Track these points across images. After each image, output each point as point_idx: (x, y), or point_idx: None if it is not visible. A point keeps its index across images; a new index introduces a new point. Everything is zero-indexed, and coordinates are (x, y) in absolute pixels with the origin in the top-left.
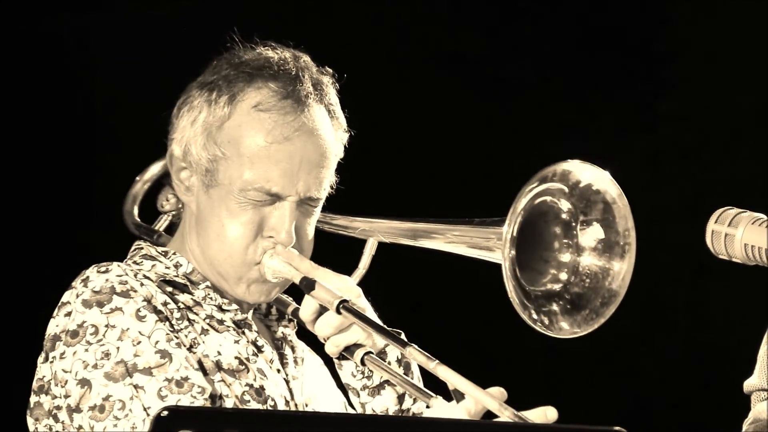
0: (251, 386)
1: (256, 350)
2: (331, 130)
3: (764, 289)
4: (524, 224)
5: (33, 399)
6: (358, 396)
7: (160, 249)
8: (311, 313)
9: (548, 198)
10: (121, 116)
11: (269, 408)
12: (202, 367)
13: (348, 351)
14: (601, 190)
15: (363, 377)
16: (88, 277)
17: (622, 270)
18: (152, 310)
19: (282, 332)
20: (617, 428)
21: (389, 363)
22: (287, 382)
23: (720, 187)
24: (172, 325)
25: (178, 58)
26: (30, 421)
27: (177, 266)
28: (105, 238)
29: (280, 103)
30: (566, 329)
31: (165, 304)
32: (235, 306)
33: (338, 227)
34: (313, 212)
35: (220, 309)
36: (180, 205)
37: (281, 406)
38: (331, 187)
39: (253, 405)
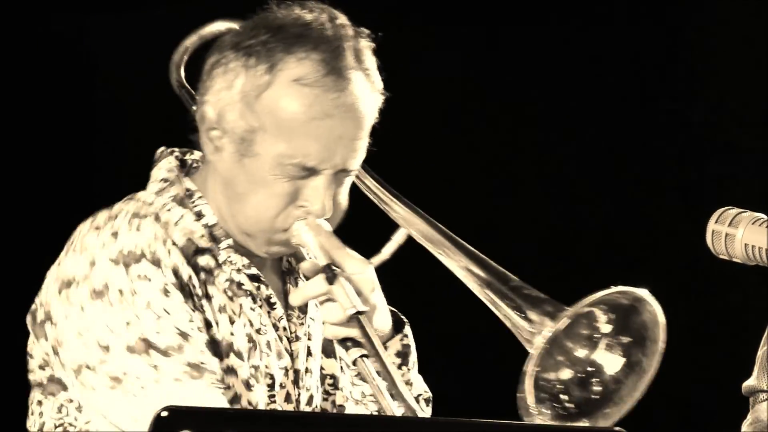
0: (257, 368)
1: (269, 308)
2: (370, 99)
3: (764, 289)
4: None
5: (38, 311)
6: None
7: (187, 186)
8: (315, 296)
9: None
10: (123, 113)
11: (266, 387)
12: (215, 352)
13: (343, 343)
14: (649, 333)
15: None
16: (118, 232)
17: (629, 394)
18: (178, 286)
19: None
20: (617, 428)
21: (388, 356)
22: (290, 341)
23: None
24: (194, 303)
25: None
26: (29, 327)
27: (200, 215)
28: None
29: (322, 80)
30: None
31: (190, 277)
32: (254, 270)
33: (379, 198)
34: (347, 180)
35: (239, 271)
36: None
37: (279, 379)
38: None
39: (258, 387)
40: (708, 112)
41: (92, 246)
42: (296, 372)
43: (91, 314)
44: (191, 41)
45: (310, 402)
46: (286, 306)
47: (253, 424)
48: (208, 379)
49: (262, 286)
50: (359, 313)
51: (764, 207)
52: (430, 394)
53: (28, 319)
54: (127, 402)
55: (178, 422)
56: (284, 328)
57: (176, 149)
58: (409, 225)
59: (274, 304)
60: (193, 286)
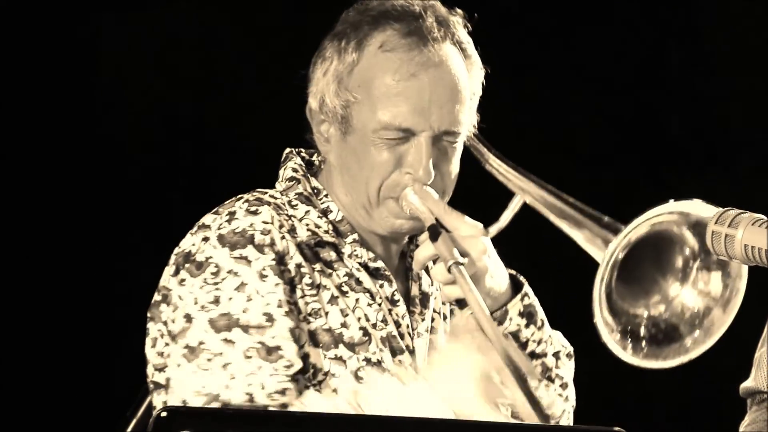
0: (368, 360)
1: (390, 306)
2: (462, 65)
3: (764, 289)
4: (644, 239)
5: (156, 296)
6: None
7: (313, 185)
8: (425, 258)
9: (676, 228)
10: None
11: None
12: (315, 341)
13: (460, 304)
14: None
15: None
16: (235, 212)
17: (721, 320)
18: (278, 271)
19: (419, 287)
20: (617, 429)
21: (510, 318)
22: (411, 338)
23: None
24: (294, 290)
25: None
26: (148, 316)
27: (327, 212)
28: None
29: (403, 41)
30: (631, 355)
31: (299, 266)
32: (381, 263)
33: (494, 168)
34: (452, 148)
35: (363, 266)
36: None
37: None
38: (474, 126)
39: (368, 379)
40: (708, 112)
41: (210, 225)
42: (416, 369)
43: (188, 287)
44: None
45: None
46: (411, 304)
47: (252, 424)
48: (279, 364)
49: (386, 283)
50: (458, 264)
51: (764, 207)
52: (570, 348)
53: (149, 313)
54: (193, 374)
55: (178, 422)
56: (407, 325)
57: (302, 150)
58: (524, 191)
59: (397, 301)
60: (302, 275)
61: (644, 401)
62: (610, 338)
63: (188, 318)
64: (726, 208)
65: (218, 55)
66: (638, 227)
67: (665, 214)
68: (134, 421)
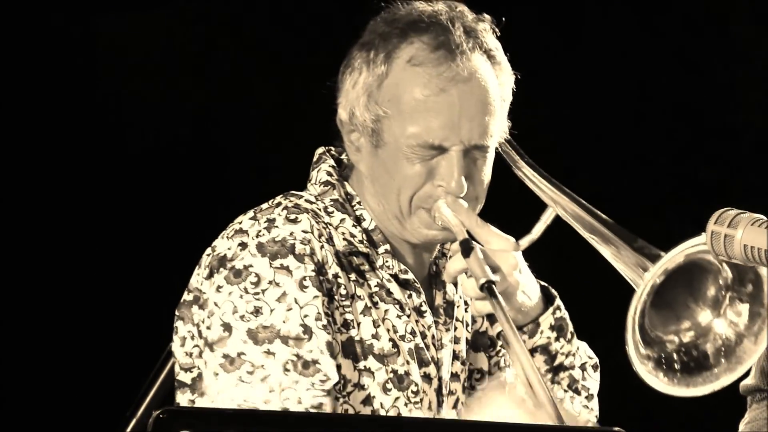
0: (395, 372)
1: (417, 317)
2: (491, 75)
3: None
4: (681, 268)
5: (186, 296)
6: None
7: (347, 190)
8: (456, 272)
9: (713, 258)
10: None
11: (411, 393)
12: (346, 352)
13: (490, 319)
14: (761, 274)
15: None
16: (275, 219)
17: (752, 350)
18: (317, 282)
19: (443, 295)
20: (617, 429)
21: (541, 332)
22: (437, 349)
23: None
24: (332, 300)
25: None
26: (177, 315)
27: (360, 220)
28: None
29: (431, 55)
30: (664, 384)
31: (336, 276)
32: (410, 275)
33: (526, 177)
34: (483, 159)
35: (393, 277)
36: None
37: (421, 387)
38: (506, 132)
39: (394, 393)
40: (708, 112)
41: (247, 231)
42: (440, 379)
43: (225, 294)
44: None
45: (456, 405)
46: (435, 314)
47: (252, 425)
48: (316, 378)
49: (414, 294)
50: (490, 282)
51: (764, 207)
52: (596, 360)
53: (177, 311)
54: (233, 385)
55: (177, 422)
56: (432, 336)
57: (333, 148)
58: (557, 204)
59: (425, 312)
60: (339, 285)
61: (644, 401)
62: (642, 367)
63: (227, 327)
64: (726, 208)
65: (219, 54)
66: (674, 258)
67: (701, 245)
68: (134, 421)
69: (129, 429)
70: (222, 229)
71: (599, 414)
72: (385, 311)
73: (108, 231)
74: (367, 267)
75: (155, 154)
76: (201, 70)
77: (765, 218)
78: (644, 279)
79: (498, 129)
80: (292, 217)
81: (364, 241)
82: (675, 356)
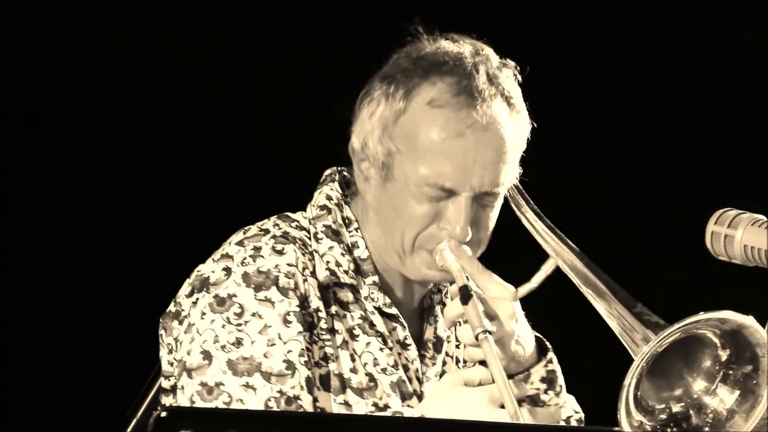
0: (376, 405)
1: (401, 350)
2: (509, 123)
3: (764, 289)
4: (679, 342)
5: (171, 307)
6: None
7: (345, 214)
8: (454, 317)
9: (712, 333)
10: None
11: None
12: (326, 385)
13: (483, 366)
14: (759, 355)
15: None
16: (261, 248)
17: (741, 428)
18: (300, 318)
19: (434, 330)
20: (617, 429)
21: (532, 383)
22: (420, 383)
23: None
24: (312, 335)
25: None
26: (161, 323)
27: (353, 247)
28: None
29: (452, 100)
30: None
31: (317, 310)
32: (395, 309)
33: (531, 225)
34: (491, 206)
35: (378, 310)
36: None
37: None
38: (516, 178)
39: None
40: (709, 112)
41: (233, 256)
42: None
43: (207, 321)
44: None
45: None
46: (420, 347)
47: (252, 425)
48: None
49: (399, 327)
50: (486, 332)
51: (764, 207)
52: (581, 414)
53: (162, 319)
54: None
55: (177, 422)
56: (416, 370)
57: (345, 169)
58: (558, 255)
59: (409, 345)
60: (319, 319)
61: None
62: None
63: (207, 355)
64: (726, 208)
65: (217, 55)
66: (671, 334)
67: (702, 321)
68: (134, 421)
69: (129, 429)
70: (222, 228)
71: (597, 410)
72: (367, 343)
73: (108, 231)
74: (351, 298)
75: (155, 154)
76: (201, 70)
77: (765, 218)
78: (637, 358)
79: (509, 177)
80: (279, 248)
81: (350, 271)
82: (667, 427)
